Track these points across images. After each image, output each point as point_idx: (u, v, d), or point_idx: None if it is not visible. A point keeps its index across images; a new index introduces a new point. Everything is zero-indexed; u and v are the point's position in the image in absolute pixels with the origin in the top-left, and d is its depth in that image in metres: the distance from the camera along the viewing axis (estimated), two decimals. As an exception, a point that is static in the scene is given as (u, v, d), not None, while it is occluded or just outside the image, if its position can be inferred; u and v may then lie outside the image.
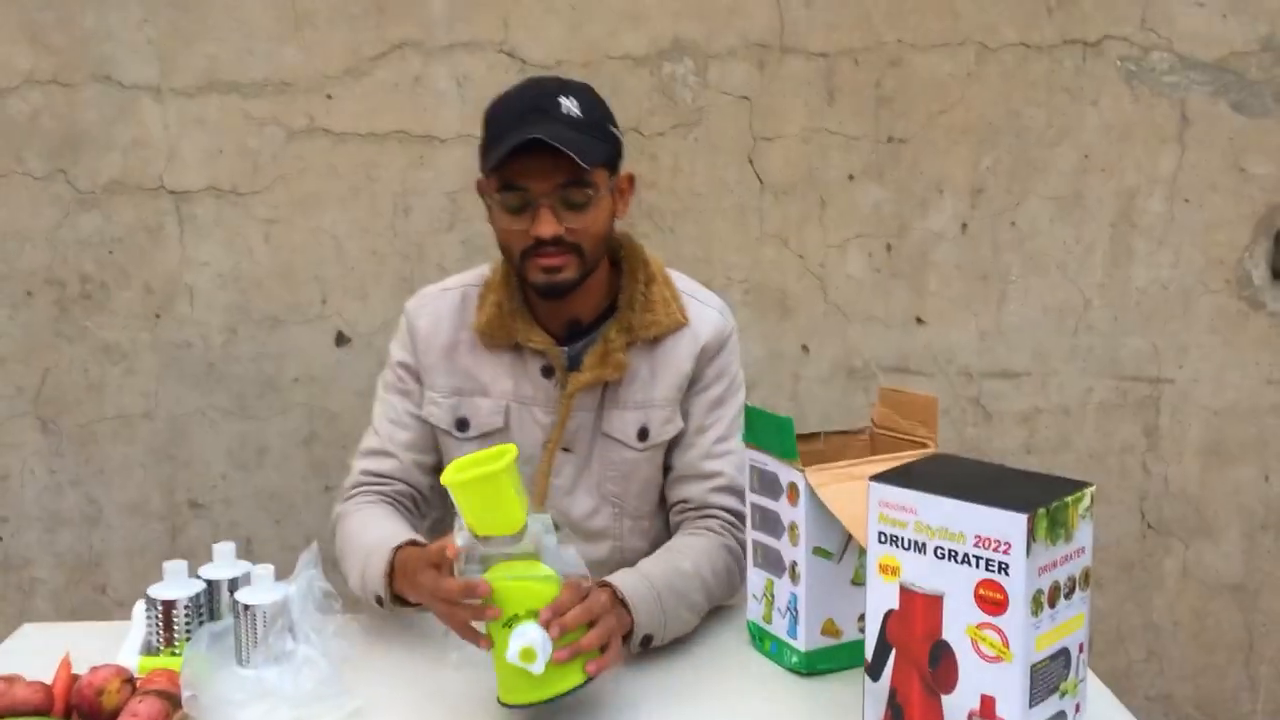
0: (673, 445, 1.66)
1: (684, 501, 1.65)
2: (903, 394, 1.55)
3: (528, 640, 1.21)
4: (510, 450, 1.25)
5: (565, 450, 1.63)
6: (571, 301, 1.59)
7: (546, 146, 1.42)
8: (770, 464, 1.43)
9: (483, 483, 1.22)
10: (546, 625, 1.22)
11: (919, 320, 2.47)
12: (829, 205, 2.42)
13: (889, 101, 2.39)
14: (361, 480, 1.66)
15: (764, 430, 1.44)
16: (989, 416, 2.51)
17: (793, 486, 1.39)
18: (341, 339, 2.40)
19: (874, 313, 2.46)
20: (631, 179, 1.62)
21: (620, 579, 1.41)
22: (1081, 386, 2.51)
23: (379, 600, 1.45)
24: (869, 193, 2.42)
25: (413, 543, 1.44)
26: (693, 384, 1.64)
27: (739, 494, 1.58)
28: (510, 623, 1.24)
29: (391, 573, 1.43)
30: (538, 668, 1.21)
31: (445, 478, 1.24)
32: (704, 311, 1.66)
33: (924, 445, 1.49)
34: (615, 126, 1.56)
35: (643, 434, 1.63)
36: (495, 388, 1.62)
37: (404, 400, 1.67)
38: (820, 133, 2.40)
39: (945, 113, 2.40)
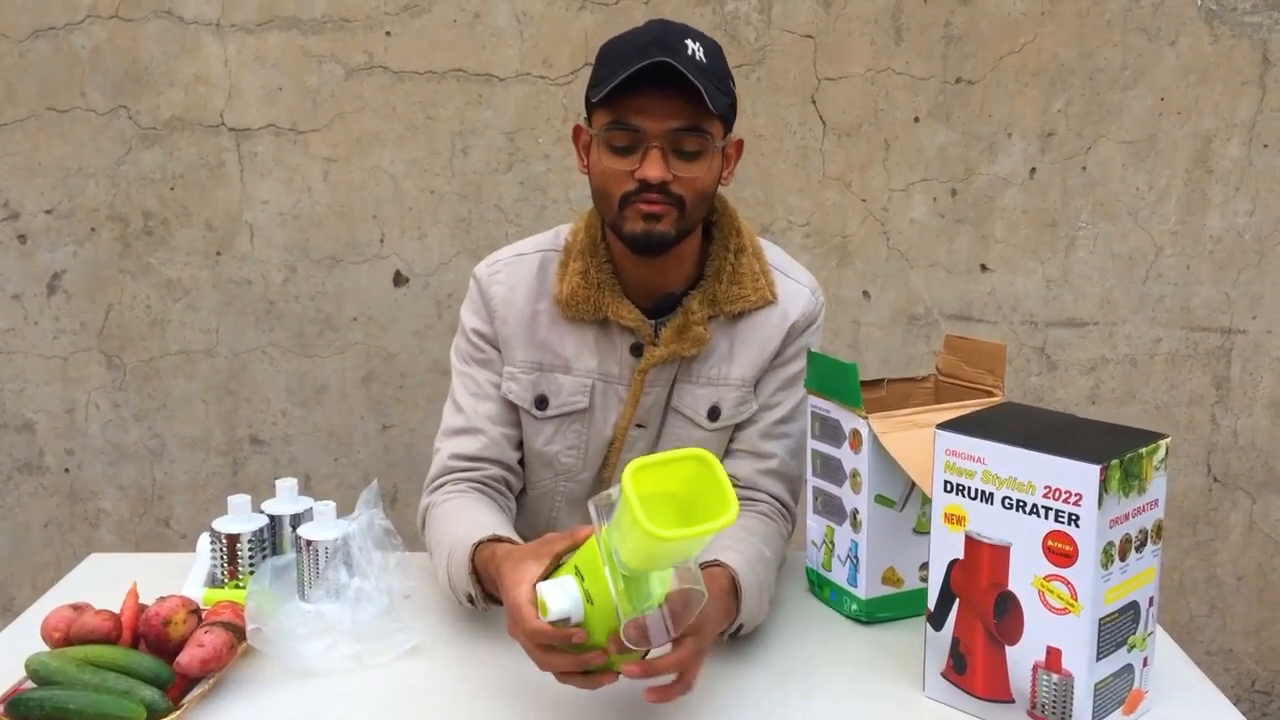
0: None
1: (733, 477, 1.56)
2: (970, 341, 1.52)
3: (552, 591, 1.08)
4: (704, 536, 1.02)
5: (639, 426, 1.54)
6: (663, 268, 1.48)
7: (667, 86, 1.33)
8: (833, 410, 1.41)
9: (666, 543, 1.00)
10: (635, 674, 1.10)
11: (984, 267, 2.42)
12: (893, 148, 2.37)
13: (958, 41, 2.33)
14: (450, 466, 1.53)
15: (827, 376, 1.42)
16: (1053, 366, 2.46)
17: (855, 433, 1.37)
18: (399, 279, 2.40)
19: (937, 259, 2.42)
20: (740, 145, 1.51)
21: (741, 571, 1.29)
22: (1150, 336, 2.45)
23: (470, 600, 1.34)
24: (935, 135, 2.37)
25: (496, 538, 1.32)
26: (772, 359, 1.55)
27: (786, 481, 1.55)
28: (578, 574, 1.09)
29: (476, 571, 1.32)
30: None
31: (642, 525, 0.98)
32: (795, 289, 1.56)
33: (990, 394, 1.46)
34: (734, 84, 1.45)
35: (713, 413, 1.53)
36: (578, 364, 1.52)
37: (484, 370, 1.55)
38: (886, 73, 2.34)
39: (1016, 53, 2.33)
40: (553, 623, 1.07)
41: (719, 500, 1.03)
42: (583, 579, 1.08)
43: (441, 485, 1.52)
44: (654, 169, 1.37)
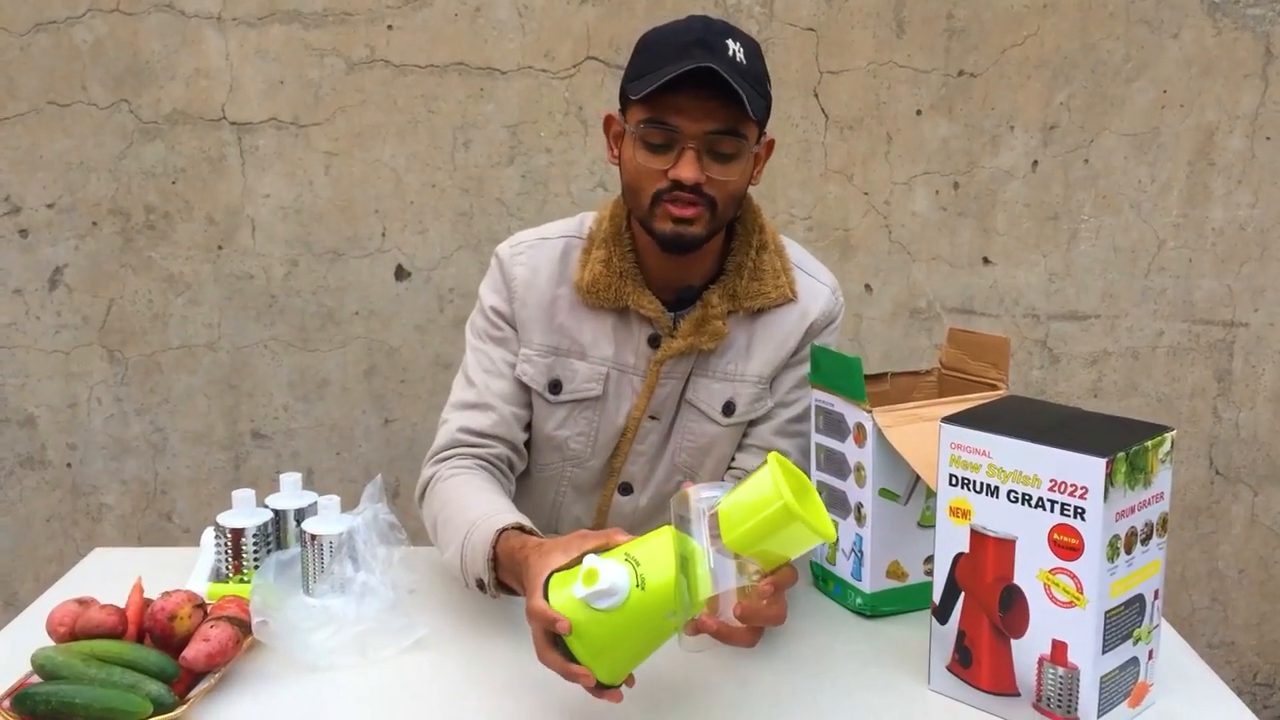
0: None
1: (746, 473, 1.57)
2: (973, 335, 1.51)
3: (598, 565, 1.05)
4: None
5: (652, 418, 1.54)
6: (685, 262, 1.47)
7: (706, 87, 1.31)
8: (837, 405, 1.41)
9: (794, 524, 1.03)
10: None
11: (986, 260, 2.42)
12: (895, 141, 2.37)
13: (960, 33, 2.33)
14: (458, 439, 1.50)
15: (831, 370, 1.41)
16: (1055, 359, 2.46)
17: (860, 427, 1.37)
18: (401, 273, 2.40)
19: (939, 252, 2.42)
20: (771, 144, 1.49)
21: None
22: (1152, 329, 2.45)
23: (480, 585, 1.30)
24: (937, 128, 2.36)
25: (519, 528, 1.29)
26: (790, 357, 1.56)
27: None
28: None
29: (495, 557, 1.28)
30: (610, 601, 1.05)
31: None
32: (815, 288, 1.57)
33: (994, 387, 1.46)
34: (770, 84, 1.43)
35: (728, 408, 1.54)
36: (595, 352, 1.52)
37: (499, 348, 1.54)
38: (888, 66, 2.34)
39: (1019, 45, 2.33)
40: (598, 591, 1.05)
41: (820, 520, 1.08)
42: (638, 564, 1.07)
43: (448, 458, 1.50)
44: (688, 170, 1.36)
